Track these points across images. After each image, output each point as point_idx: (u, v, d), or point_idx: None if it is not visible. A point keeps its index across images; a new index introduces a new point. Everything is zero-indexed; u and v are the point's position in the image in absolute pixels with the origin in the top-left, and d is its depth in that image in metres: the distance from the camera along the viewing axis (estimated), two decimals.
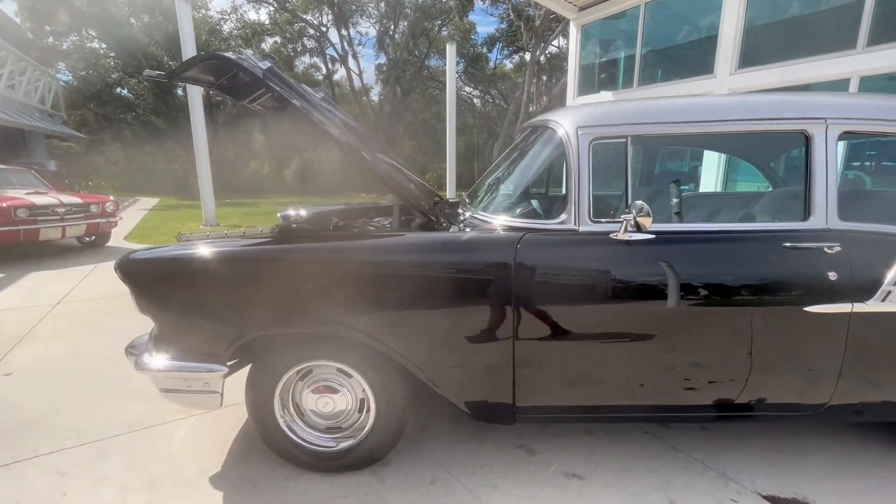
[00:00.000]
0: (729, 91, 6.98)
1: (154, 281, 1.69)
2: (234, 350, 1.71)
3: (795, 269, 1.59)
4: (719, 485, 1.81)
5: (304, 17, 24.12)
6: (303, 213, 3.00)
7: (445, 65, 25.17)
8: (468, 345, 1.64)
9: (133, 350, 1.87)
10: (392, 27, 24.25)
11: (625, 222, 1.57)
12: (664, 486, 1.80)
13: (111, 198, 6.93)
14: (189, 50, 8.58)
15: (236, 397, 2.01)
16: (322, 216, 2.90)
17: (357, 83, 24.85)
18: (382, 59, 25.84)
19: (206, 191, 9.25)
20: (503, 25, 24.76)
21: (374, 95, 27.10)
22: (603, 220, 1.67)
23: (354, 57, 24.73)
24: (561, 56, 24.39)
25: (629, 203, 1.65)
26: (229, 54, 1.79)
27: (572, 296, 1.62)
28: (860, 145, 6.08)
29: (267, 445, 1.88)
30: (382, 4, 23.81)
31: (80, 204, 6.33)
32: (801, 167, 1.67)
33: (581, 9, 9.12)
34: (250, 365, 1.83)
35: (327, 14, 24.10)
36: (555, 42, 22.78)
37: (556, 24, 19.67)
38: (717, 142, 2.51)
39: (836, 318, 1.57)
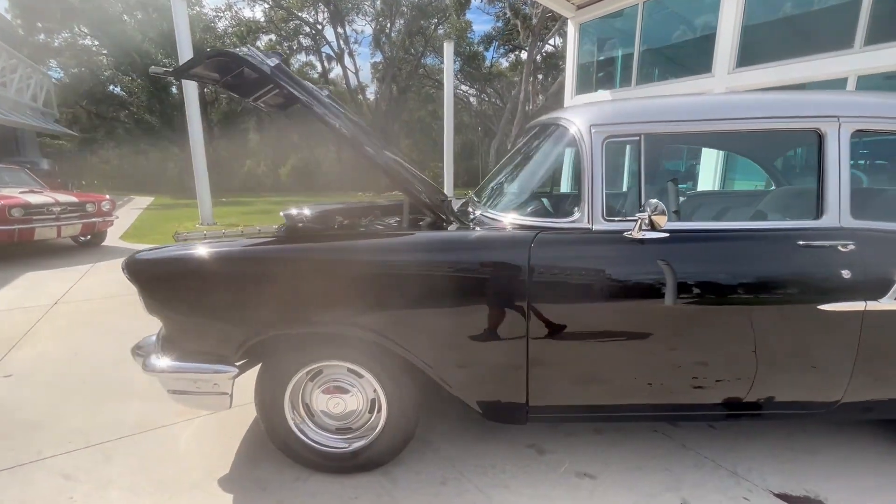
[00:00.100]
0: (727, 90, 7.00)
1: (163, 281, 1.67)
2: (244, 351, 1.69)
3: (810, 268, 1.59)
4: (731, 483, 1.81)
5: (300, 14, 23.98)
6: (307, 212, 2.98)
7: (441, 63, 25.07)
8: (481, 344, 1.63)
9: (140, 351, 1.85)
10: (388, 25, 24.15)
11: (639, 221, 1.57)
12: (676, 485, 1.80)
13: (107, 196, 6.85)
14: (185, 47, 8.49)
15: (241, 398, 1.99)
16: (326, 215, 2.88)
17: (353, 81, 24.76)
18: (378, 58, 25.78)
19: (202, 189, 9.18)
20: (499, 24, 24.77)
21: (370, 94, 27.03)
22: (616, 218, 1.66)
23: (350, 55, 24.62)
24: (557, 55, 24.43)
25: (642, 202, 1.65)
26: (239, 51, 1.77)
27: (586, 294, 1.61)
28: (854, 144, 6.13)
29: (276, 446, 1.86)
30: (379, 2, 23.72)
31: (75, 203, 6.26)
32: (806, 165, 1.67)
33: (579, 7, 9.12)
34: (260, 365, 1.81)
35: (323, 12, 23.97)
36: (551, 41, 22.81)
37: (552, 22, 19.68)
38: (729, 140, 2.51)
39: (849, 315, 1.58)
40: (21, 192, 6.09)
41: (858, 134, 1.64)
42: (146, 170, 23.95)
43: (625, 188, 2.97)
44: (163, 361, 1.71)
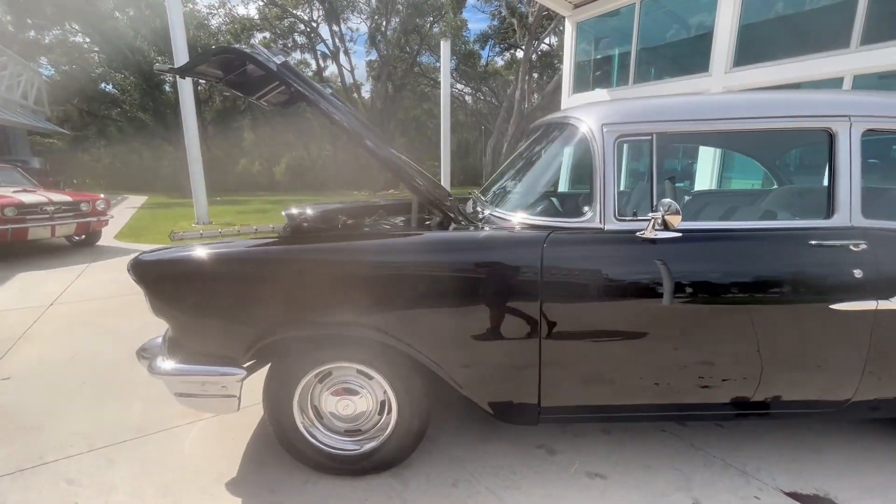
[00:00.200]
0: (724, 90, 7.04)
1: (171, 282, 1.64)
2: (253, 352, 1.67)
3: (822, 267, 1.59)
4: (741, 482, 1.82)
5: (295, 12, 23.81)
6: (309, 211, 2.96)
7: (437, 62, 25.03)
8: (493, 344, 1.62)
9: (146, 353, 1.82)
10: (384, 23, 24.04)
11: (652, 220, 1.56)
12: (687, 485, 1.80)
13: (102, 195, 6.77)
14: (180, 45, 8.40)
15: (244, 399, 1.95)
16: (329, 214, 2.86)
17: (348, 80, 24.64)
18: (374, 56, 25.66)
19: (197, 188, 9.09)
20: (495, 22, 24.75)
21: (366, 92, 26.91)
22: (628, 218, 1.65)
23: (346, 53, 24.48)
24: (552, 54, 24.45)
25: (654, 201, 1.64)
26: (245, 48, 1.74)
27: (599, 294, 1.60)
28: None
29: (285, 449, 1.84)
30: (374, 0, 23.60)
31: (69, 202, 6.17)
32: (809, 164, 1.68)
33: (576, 6, 9.12)
34: (267, 367, 1.78)
35: (318, 9, 23.82)
36: (546, 40, 22.83)
37: (548, 21, 19.68)
38: (740, 139, 2.51)
39: (861, 315, 1.58)
40: (14, 192, 6.00)
41: (869, 133, 1.64)
42: (139, 168, 23.71)
43: (622, 187, 2.96)
44: (169, 364, 1.68)
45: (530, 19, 18.79)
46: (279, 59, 1.85)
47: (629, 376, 1.69)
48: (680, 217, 1.50)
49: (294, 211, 3.06)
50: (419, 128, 28.61)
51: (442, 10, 22.53)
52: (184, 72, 1.83)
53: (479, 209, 2.11)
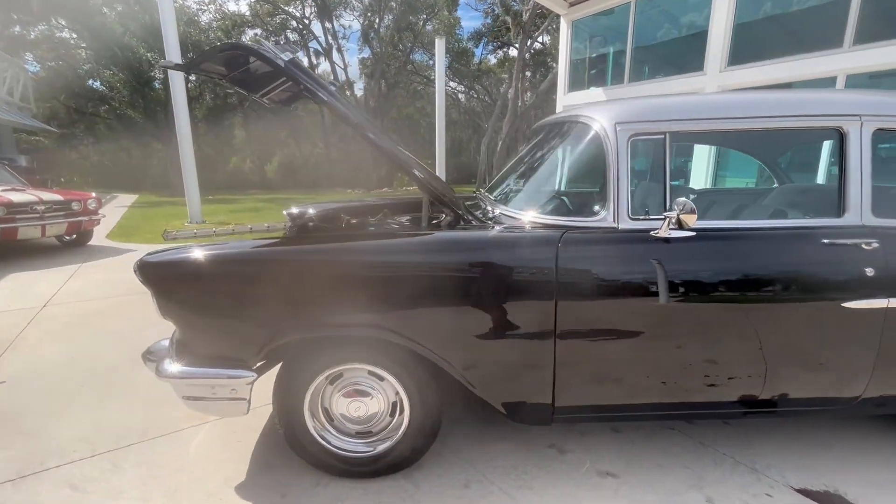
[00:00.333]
0: (718, 88, 7.09)
1: (180, 283, 1.60)
2: (264, 355, 1.64)
3: (834, 266, 1.60)
4: (751, 479, 1.83)
5: (286, 8, 23.57)
6: (310, 210, 2.93)
7: (430, 60, 24.90)
8: (508, 344, 1.61)
9: (152, 356, 1.78)
10: (377, 20, 23.89)
11: (667, 219, 1.56)
12: (698, 483, 1.81)
13: (93, 194, 6.65)
14: (171, 41, 8.27)
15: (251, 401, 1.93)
16: (331, 214, 2.83)
17: (341, 77, 24.44)
18: (367, 53, 25.51)
19: (191, 187, 8.96)
20: (488, 20, 24.72)
21: (359, 90, 26.75)
22: (641, 217, 1.65)
23: (339, 50, 24.30)
24: (545, 52, 24.49)
25: (667, 200, 1.64)
26: (253, 45, 1.71)
27: (614, 294, 1.59)
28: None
29: (295, 452, 1.81)
30: None
31: (60, 201, 6.05)
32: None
33: (572, 4, 9.13)
34: (278, 369, 1.76)
35: (310, 6, 23.60)
36: (538, 39, 22.85)
37: (541, 20, 19.70)
38: (750, 138, 2.52)
39: (872, 313, 1.59)
40: (3, 190, 5.86)
41: (879, 133, 1.65)
42: (128, 167, 23.38)
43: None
44: (178, 367, 1.65)
45: (524, 17, 18.79)
46: (287, 56, 1.82)
47: (643, 375, 1.69)
48: (695, 216, 1.50)
49: (295, 210, 3.03)
50: (412, 126, 28.51)
51: (435, 7, 22.45)
52: (189, 68, 1.79)
53: (488, 208, 2.09)
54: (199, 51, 19.31)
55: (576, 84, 9.68)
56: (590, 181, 1.83)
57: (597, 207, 1.70)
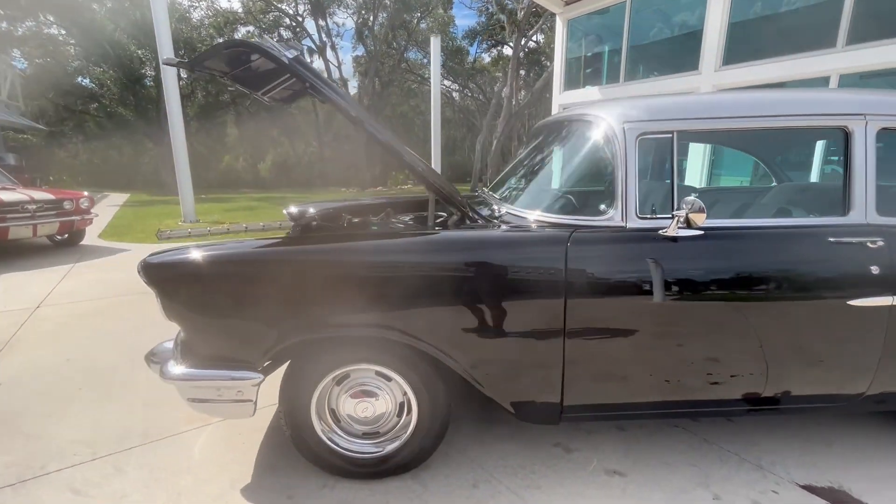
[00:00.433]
0: (713, 87, 7.14)
1: (186, 284, 1.57)
2: (271, 356, 1.62)
3: (840, 264, 1.61)
4: (757, 476, 1.84)
5: (279, 5, 23.38)
6: (311, 210, 2.90)
7: (424, 58, 24.83)
8: (517, 343, 1.61)
9: (155, 358, 1.76)
10: (371, 18, 23.78)
11: (676, 218, 1.56)
12: (705, 481, 1.82)
13: (85, 193, 6.55)
14: (164, 38, 8.17)
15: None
16: (333, 213, 2.81)
17: (335, 75, 24.30)
18: (360, 52, 25.39)
19: (184, 186, 8.85)
20: (482, 19, 24.70)
21: (353, 88, 26.61)
22: (649, 216, 1.65)
23: (333, 48, 24.16)
24: (538, 51, 24.53)
25: (674, 200, 1.64)
26: (258, 42, 1.69)
27: (623, 293, 1.60)
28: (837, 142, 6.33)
29: (301, 454, 1.80)
30: None
31: (52, 200, 5.96)
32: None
33: (567, 3, 9.15)
34: (285, 369, 1.74)
35: (304, 3, 23.44)
36: (533, 38, 22.86)
37: (536, 18, 19.71)
38: (755, 138, 2.53)
39: (877, 310, 1.61)
40: None
41: (883, 132, 1.66)
42: (119, 165, 23.09)
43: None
44: (182, 368, 1.63)
45: (519, 16, 18.79)
46: (292, 54, 1.80)
47: (651, 374, 1.69)
48: (704, 215, 1.50)
49: (294, 209, 3.00)
50: (406, 124, 28.45)
51: (429, 5, 22.39)
52: (193, 65, 1.76)
53: (494, 206, 2.09)
54: (190, 48, 19.17)
55: (571, 83, 9.70)
56: (597, 180, 1.82)
57: (604, 206, 1.70)
